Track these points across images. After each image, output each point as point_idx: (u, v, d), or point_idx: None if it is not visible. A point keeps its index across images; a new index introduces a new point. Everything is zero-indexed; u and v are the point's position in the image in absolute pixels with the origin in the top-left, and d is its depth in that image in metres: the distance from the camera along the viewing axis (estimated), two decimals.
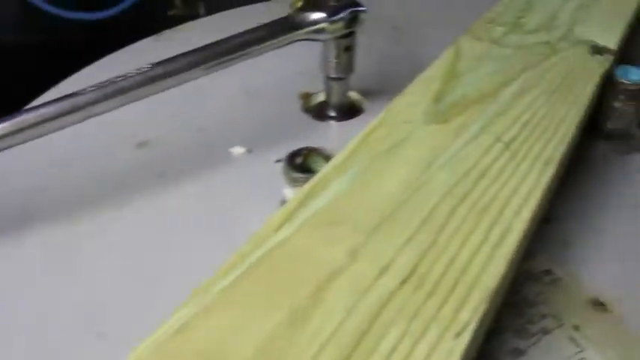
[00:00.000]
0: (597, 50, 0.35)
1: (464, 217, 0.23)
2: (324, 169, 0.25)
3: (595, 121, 0.35)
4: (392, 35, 0.50)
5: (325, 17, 0.34)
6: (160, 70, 0.30)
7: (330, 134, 0.37)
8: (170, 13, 0.83)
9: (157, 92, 0.30)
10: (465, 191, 0.24)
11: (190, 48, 0.48)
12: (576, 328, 0.23)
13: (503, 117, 0.28)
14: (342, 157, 0.26)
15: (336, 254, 0.21)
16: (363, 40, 0.48)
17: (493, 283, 0.20)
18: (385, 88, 0.41)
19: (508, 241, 0.22)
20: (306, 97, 0.40)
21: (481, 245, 0.22)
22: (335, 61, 0.36)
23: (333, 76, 0.37)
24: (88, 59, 0.46)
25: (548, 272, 0.26)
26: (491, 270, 0.21)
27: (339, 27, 0.34)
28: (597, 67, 0.33)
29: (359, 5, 0.35)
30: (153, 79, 0.29)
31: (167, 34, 0.50)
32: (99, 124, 0.31)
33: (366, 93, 0.41)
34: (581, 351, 0.22)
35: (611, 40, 0.36)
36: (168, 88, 0.30)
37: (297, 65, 0.43)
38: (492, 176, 0.25)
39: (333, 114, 0.38)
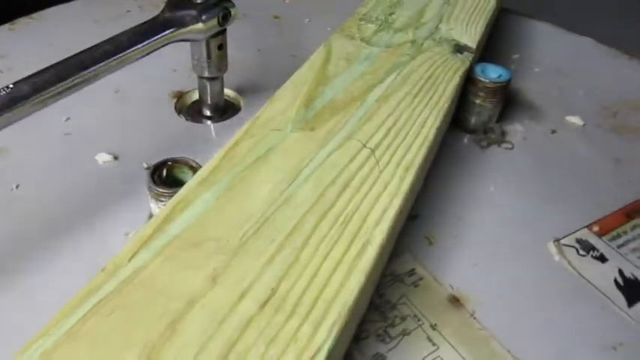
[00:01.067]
0: (459, 49, 0.36)
1: (327, 231, 0.23)
2: (187, 186, 0.24)
3: (459, 115, 0.38)
4: (273, 25, 0.50)
5: (196, 16, 0.32)
6: (20, 92, 0.26)
7: (204, 137, 0.36)
8: None
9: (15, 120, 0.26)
10: (329, 203, 0.24)
11: (47, 41, 0.44)
12: (434, 326, 0.25)
13: (370, 122, 0.29)
14: (205, 172, 0.25)
15: (196, 281, 0.20)
16: (241, 31, 0.47)
17: (351, 298, 0.21)
18: (264, 84, 0.41)
19: (367, 254, 0.22)
20: (180, 96, 0.38)
21: (341, 260, 0.22)
22: (207, 60, 0.34)
23: (206, 75, 0.35)
24: None
25: (411, 272, 0.27)
26: (349, 285, 0.21)
27: (211, 26, 0.33)
28: (458, 67, 0.34)
29: (229, 1, 0.34)
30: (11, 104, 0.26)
31: (23, 21, 0.46)
32: None
33: (244, 90, 0.40)
34: (437, 349, 0.24)
35: (472, 38, 0.38)
36: (29, 113, 0.27)
37: (170, 62, 0.41)
38: (356, 185, 0.25)
39: (208, 114, 0.37)
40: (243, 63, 0.42)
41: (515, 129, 0.38)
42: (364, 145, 0.28)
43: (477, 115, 0.37)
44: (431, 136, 0.29)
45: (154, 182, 0.26)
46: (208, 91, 0.36)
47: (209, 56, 0.34)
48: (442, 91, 0.32)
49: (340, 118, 0.29)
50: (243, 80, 0.41)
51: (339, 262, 0.22)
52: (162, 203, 0.26)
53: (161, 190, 0.26)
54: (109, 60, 0.29)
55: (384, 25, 0.38)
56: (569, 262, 0.29)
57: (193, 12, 0.32)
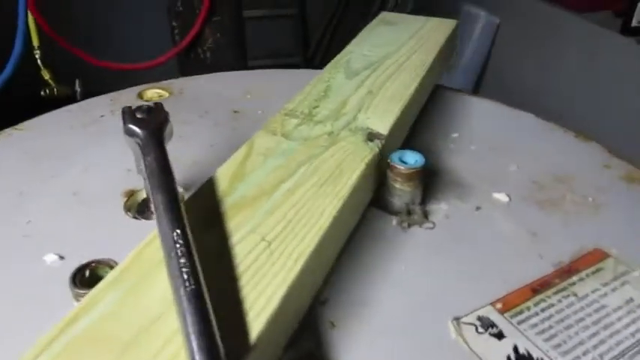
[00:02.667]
0: (371, 137, 0.39)
1: None
2: (96, 288, 0.27)
3: (385, 198, 0.40)
4: (231, 119, 0.54)
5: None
6: None
7: (147, 234, 0.39)
8: (43, 94, 0.84)
9: None
10: (219, 297, 0.27)
11: (22, 149, 0.49)
12: None
13: (273, 215, 0.32)
14: (115, 274, 0.28)
15: None
16: (199, 127, 0.52)
17: None
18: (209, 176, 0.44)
19: (248, 340, 0.25)
20: (131, 195, 0.42)
21: None
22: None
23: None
24: None
25: (309, 356, 0.29)
26: None
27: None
28: (366, 155, 0.37)
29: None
30: None
31: (7, 132, 0.52)
32: None
33: (191, 184, 0.44)
34: None
35: (385, 125, 0.41)
36: None
37: (125, 162, 0.46)
38: (248, 277, 0.28)
39: (154, 210, 0.41)
40: (194, 158, 0.47)
41: (440, 208, 0.41)
42: (263, 239, 0.30)
43: (398, 198, 0.39)
44: (325, 226, 0.31)
45: (74, 284, 0.30)
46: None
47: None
48: (346, 180, 0.35)
49: (247, 212, 0.32)
50: (191, 175, 0.45)
51: None
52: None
53: (78, 290, 0.29)
54: None
55: (306, 119, 0.42)
56: (464, 340, 0.30)
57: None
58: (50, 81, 0.84)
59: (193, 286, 0.25)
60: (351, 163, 0.36)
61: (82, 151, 0.48)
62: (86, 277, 0.31)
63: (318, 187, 0.34)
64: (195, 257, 0.27)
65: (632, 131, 1.25)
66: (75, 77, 0.86)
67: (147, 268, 0.28)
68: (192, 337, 0.23)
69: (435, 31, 0.58)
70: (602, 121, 1.31)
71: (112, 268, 0.31)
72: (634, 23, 1.25)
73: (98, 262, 0.31)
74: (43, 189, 0.43)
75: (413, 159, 0.39)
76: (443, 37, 0.56)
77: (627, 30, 1.24)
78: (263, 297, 0.27)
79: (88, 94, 0.92)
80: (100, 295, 0.27)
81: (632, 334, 0.31)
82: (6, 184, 0.44)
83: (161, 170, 0.32)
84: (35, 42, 0.82)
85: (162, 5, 0.92)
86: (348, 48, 0.54)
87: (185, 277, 0.26)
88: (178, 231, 0.28)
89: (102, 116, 0.54)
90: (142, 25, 1.52)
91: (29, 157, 0.48)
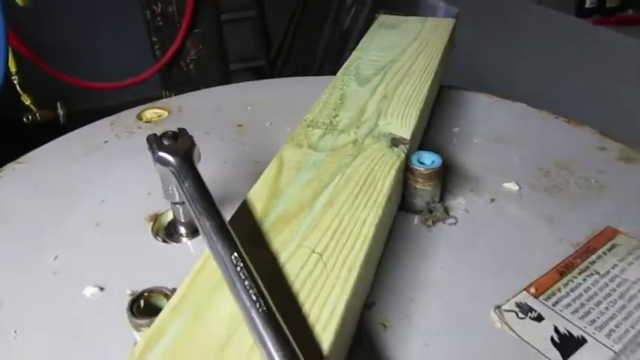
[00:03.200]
0: (395, 142, 0.41)
1: None
2: (160, 317, 0.28)
3: (406, 200, 0.42)
4: (237, 134, 0.55)
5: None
6: None
7: (181, 256, 0.40)
8: (27, 120, 0.81)
9: None
10: (283, 314, 0.28)
11: (32, 184, 0.49)
12: None
13: (317, 228, 0.33)
14: (175, 302, 0.29)
15: None
16: (208, 145, 0.52)
17: None
18: (231, 195, 0.45)
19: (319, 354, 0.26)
20: (155, 219, 0.43)
21: None
22: (176, 189, 0.39)
23: (177, 201, 0.40)
24: None
25: (369, 359, 0.31)
26: None
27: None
28: (394, 162, 0.39)
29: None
30: None
31: (10, 167, 0.51)
32: None
33: (218, 199, 0.45)
34: None
35: (407, 130, 0.43)
36: None
37: (144, 187, 0.46)
38: (306, 292, 0.29)
39: (183, 232, 0.41)
40: (211, 176, 0.47)
41: (459, 203, 0.43)
42: (313, 251, 0.32)
43: (420, 198, 0.41)
44: (371, 234, 0.33)
45: (133, 314, 0.30)
46: (181, 212, 0.41)
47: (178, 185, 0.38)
48: (380, 188, 0.37)
49: (292, 227, 0.33)
50: (214, 193, 0.45)
51: None
52: (142, 332, 0.30)
53: (138, 321, 0.30)
54: None
55: (329, 129, 0.43)
56: (510, 327, 0.32)
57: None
58: (32, 106, 0.82)
59: (264, 308, 0.26)
60: (382, 170, 0.38)
61: (93, 181, 0.48)
62: (142, 307, 0.31)
63: (354, 196, 0.36)
64: (258, 278, 0.28)
65: (593, 109, 1.31)
66: (55, 100, 0.84)
67: (205, 293, 0.29)
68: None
69: (435, 31, 0.60)
70: (566, 102, 1.37)
71: (165, 295, 0.32)
72: (588, 4, 1.31)
73: (151, 290, 0.32)
74: (62, 224, 0.43)
75: (430, 159, 0.41)
76: (444, 38, 0.58)
77: (582, 12, 1.30)
78: (326, 310, 0.28)
79: (70, 116, 0.90)
80: (165, 323, 0.28)
81: None
82: (23, 223, 0.44)
83: (202, 196, 0.33)
84: (13, 68, 0.80)
85: (139, 21, 0.91)
86: (355, 54, 0.55)
87: (254, 298, 0.27)
88: (236, 254, 0.29)
89: (105, 142, 0.54)
90: (120, 42, 1.49)
91: (39, 192, 0.47)
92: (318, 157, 0.40)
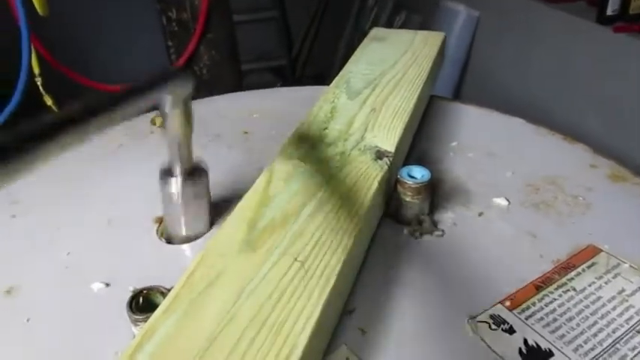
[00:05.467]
0: (379, 155, 0.43)
1: (263, 340, 0.29)
2: (154, 316, 0.31)
3: (397, 211, 0.44)
4: (243, 140, 0.57)
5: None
6: None
7: (181, 257, 0.43)
8: None
9: None
10: (265, 316, 0.30)
11: (55, 184, 0.52)
12: None
13: (301, 237, 0.36)
14: (168, 302, 0.32)
15: None
16: (215, 150, 0.55)
17: None
18: (235, 200, 0.47)
19: (294, 357, 0.28)
20: (160, 221, 0.45)
21: None
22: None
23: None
24: None
25: None
26: None
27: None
28: (377, 173, 0.41)
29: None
30: None
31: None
32: None
33: (217, 207, 0.47)
34: None
35: (392, 142, 0.44)
36: None
37: (152, 187, 0.49)
38: (288, 297, 0.31)
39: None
40: (217, 182, 0.50)
41: (447, 216, 0.44)
42: (295, 259, 0.34)
43: (409, 210, 0.43)
44: (350, 245, 0.35)
45: (131, 310, 0.33)
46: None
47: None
48: (362, 199, 0.39)
49: (278, 235, 0.36)
50: (216, 198, 0.48)
51: None
52: (139, 326, 0.33)
53: (136, 316, 0.33)
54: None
55: (318, 142, 0.45)
56: (481, 338, 0.34)
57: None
58: (53, 107, 0.86)
59: None
60: (365, 182, 0.40)
61: (107, 182, 0.51)
62: (140, 304, 0.34)
63: (338, 207, 0.38)
64: None
65: (612, 118, 1.30)
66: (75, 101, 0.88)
67: (195, 295, 0.32)
68: None
69: (425, 44, 0.62)
70: (582, 110, 1.37)
71: (162, 293, 0.34)
72: (609, 12, 1.30)
73: (149, 289, 0.34)
74: (77, 221, 0.46)
75: (420, 173, 0.43)
76: (434, 50, 0.60)
77: (603, 19, 1.29)
78: (303, 316, 0.30)
79: None
80: (159, 321, 0.30)
81: (626, 321, 0.35)
82: (42, 218, 0.47)
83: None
84: (36, 69, 0.84)
85: (157, 26, 0.94)
86: (347, 67, 0.57)
87: None
88: None
89: (120, 145, 0.57)
90: (138, 46, 1.54)
91: (58, 189, 0.51)
92: (307, 168, 0.42)
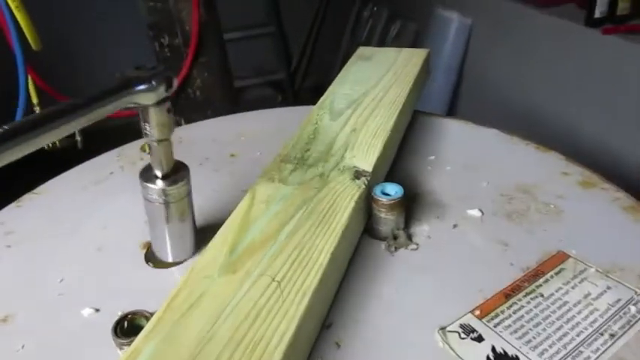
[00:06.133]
0: (357, 175, 0.45)
1: (239, 358, 0.31)
2: (137, 339, 0.33)
3: (373, 226, 0.46)
4: (229, 163, 0.60)
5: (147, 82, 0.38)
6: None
7: (167, 281, 0.45)
8: (47, 148, 0.89)
9: None
10: (241, 336, 0.32)
11: (47, 214, 0.54)
12: None
13: (279, 257, 0.38)
14: (151, 325, 0.34)
15: None
16: (201, 174, 0.57)
17: None
18: (217, 222, 0.49)
19: None
20: (148, 247, 0.48)
21: None
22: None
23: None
24: None
25: None
26: None
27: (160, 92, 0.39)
28: (355, 192, 0.43)
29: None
30: None
31: (27, 197, 0.57)
32: None
33: (200, 230, 0.49)
34: None
35: (369, 162, 0.46)
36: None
37: (140, 214, 0.51)
38: (264, 316, 0.33)
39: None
40: (203, 205, 0.52)
41: (422, 229, 0.46)
42: (273, 279, 0.36)
43: (384, 226, 0.45)
44: (325, 262, 0.37)
45: (116, 334, 0.35)
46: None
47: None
48: (339, 218, 0.41)
49: (257, 257, 0.38)
50: (201, 222, 0.50)
51: None
52: (124, 350, 0.35)
53: (121, 340, 0.35)
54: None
55: (299, 163, 0.47)
56: (450, 347, 0.36)
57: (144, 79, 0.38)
58: None
59: None
60: (342, 202, 0.42)
61: (97, 209, 0.54)
62: (125, 328, 0.36)
63: (315, 227, 0.40)
64: None
65: (607, 118, 1.31)
66: None
67: (177, 318, 0.34)
68: None
69: (408, 62, 0.64)
70: (574, 110, 1.38)
71: (146, 317, 0.36)
72: (597, 14, 1.31)
73: (134, 313, 0.37)
74: (69, 249, 0.49)
75: (393, 190, 0.45)
76: (416, 69, 0.62)
77: (591, 21, 1.31)
78: (278, 333, 0.32)
79: (87, 142, 0.97)
80: (141, 344, 0.32)
81: (590, 324, 0.37)
82: (36, 247, 0.49)
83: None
84: (34, 99, 0.87)
85: (150, 51, 0.97)
86: (331, 88, 0.60)
87: None
88: None
89: (111, 173, 0.60)
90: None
91: (51, 219, 0.53)
92: (287, 190, 0.44)
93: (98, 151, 0.66)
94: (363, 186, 0.44)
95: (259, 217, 0.41)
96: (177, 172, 0.43)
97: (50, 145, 0.91)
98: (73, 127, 0.35)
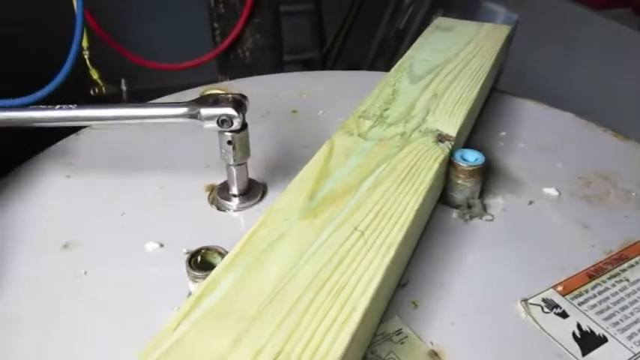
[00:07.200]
0: (441, 138, 0.43)
1: (322, 300, 0.30)
2: (216, 270, 0.32)
3: (447, 193, 0.44)
4: (291, 119, 0.58)
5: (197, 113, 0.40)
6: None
7: (232, 223, 0.44)
8: (93, 93, 0.88)
9: None
10: (324, 279, 0.31)
11: (108, 147, 0.54)
12: None
13: (362, 208, 0.36)
14: (229, 258, 0.32)
15: (221, 345, 0.27)
16: (264, 126, 0.56)
17: (339, 354, 0.27)
18: (283, 174, 0.48)
19: (353, 318, 0.29)
20: (212, 189, 0.46)
21: (333, 323, 0.28)
22: (226, 152, 0.42)
23: (231, 163, 0.43)
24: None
25: (398, 332, 0.33)
26: (338, 344, 0.27)
27: (210, 125, 0.40)
28: (438, 155, 0.41)
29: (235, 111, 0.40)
30: None
31: (86, 131, 0.56)
32: (26, 225, 0.36)
33: (267, 179, 0.48)
34: None
35: (453, 127, 0.45)
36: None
37: (203, 160, 0.50)
38: (347, 262, 0.32)
39: (235, 192, 0.45)
40: (266, 155, 0.51)
41: (497, 202, 0.45)
42: (356, 229, 0.35)
43: (460, 193, 0.43)
44: (410, 218, 0.35)
45: (191, 267, 0.34)
46: (234, 174, 0.44)
47: (232, 148, 0.42)
48: (423, 178, 0.39)
49: (338, 205, 0.36)
50: (266, 171, 0.49)
51: (330, 326, 0.28)
52: (198, 284, 0.34)
53: (196, 273, 0.34)
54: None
55: (379, 121, 0.46)
56: (534, 319, 0.34)
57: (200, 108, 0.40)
58: (98, 80, 0.88)
59: None
60: (426, 163, 0.40)
61: (160, 149, 0.53)
62: (199, 262, 0.35)
63: (397, 184, 0.38)
64: None
65: None
66: (119, 76, 0.90)
67: (257, 253, 0.33)
68: None
69: (490, 36, 0.62)
70: (622, 117, 1.34)
71: (220, 253, 0.35)
72: None
73: (207, 248, 0.35)
74: (131, 183, 0.48)
75: (473, 157, 0.43)
76: (499, 43, 0.60)
77: None
78: (365, 278, 0.31)
79: (132, 92, 0.96)
80: (220, 276, 0.31)
81: None
82: (99, 180, 0.48)
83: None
84: (85, 43, 0.86)
85: (203, 7, 0.96)
86: (409, 53, 0.58)
87: None
88: None
89: None
90: (183, 25, 1.56)
91: (113, 156, 0.52)
92: (367, 145, 0.42)
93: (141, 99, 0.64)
94: (447, 150, 0.42)
95: (339, 168, 0.40)
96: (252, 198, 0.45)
97: (96, 90, 0.90)
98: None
